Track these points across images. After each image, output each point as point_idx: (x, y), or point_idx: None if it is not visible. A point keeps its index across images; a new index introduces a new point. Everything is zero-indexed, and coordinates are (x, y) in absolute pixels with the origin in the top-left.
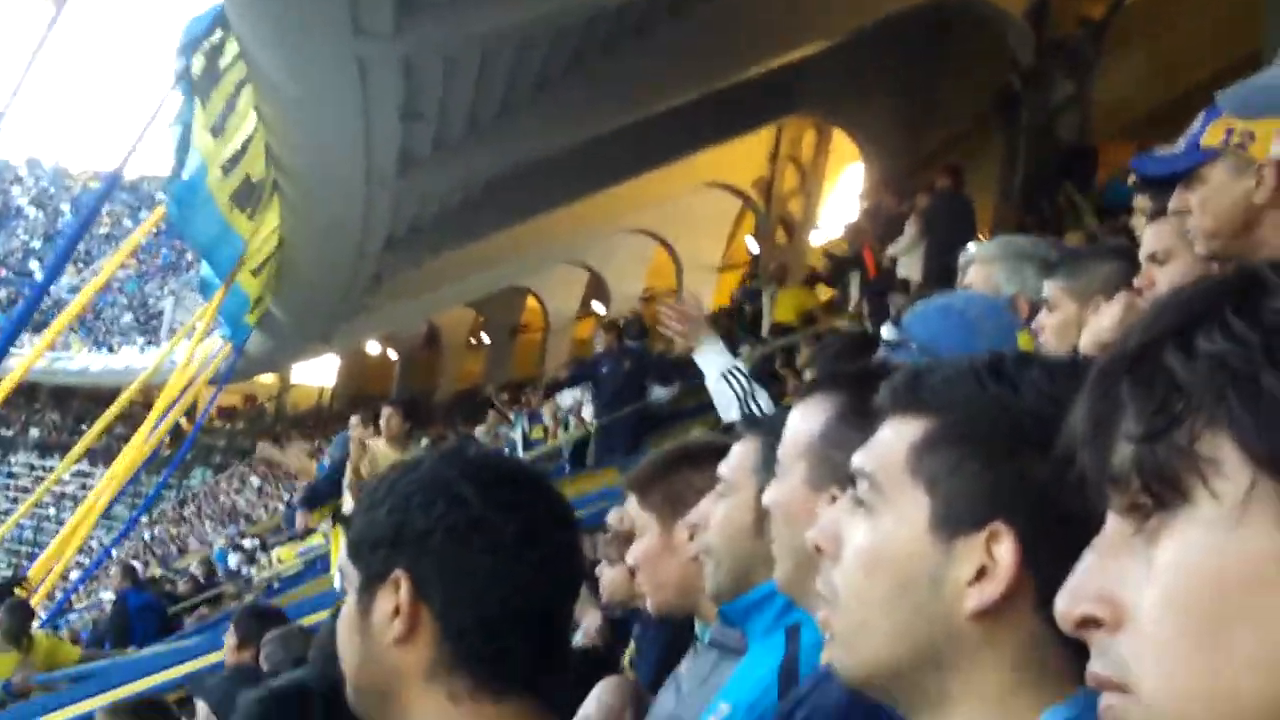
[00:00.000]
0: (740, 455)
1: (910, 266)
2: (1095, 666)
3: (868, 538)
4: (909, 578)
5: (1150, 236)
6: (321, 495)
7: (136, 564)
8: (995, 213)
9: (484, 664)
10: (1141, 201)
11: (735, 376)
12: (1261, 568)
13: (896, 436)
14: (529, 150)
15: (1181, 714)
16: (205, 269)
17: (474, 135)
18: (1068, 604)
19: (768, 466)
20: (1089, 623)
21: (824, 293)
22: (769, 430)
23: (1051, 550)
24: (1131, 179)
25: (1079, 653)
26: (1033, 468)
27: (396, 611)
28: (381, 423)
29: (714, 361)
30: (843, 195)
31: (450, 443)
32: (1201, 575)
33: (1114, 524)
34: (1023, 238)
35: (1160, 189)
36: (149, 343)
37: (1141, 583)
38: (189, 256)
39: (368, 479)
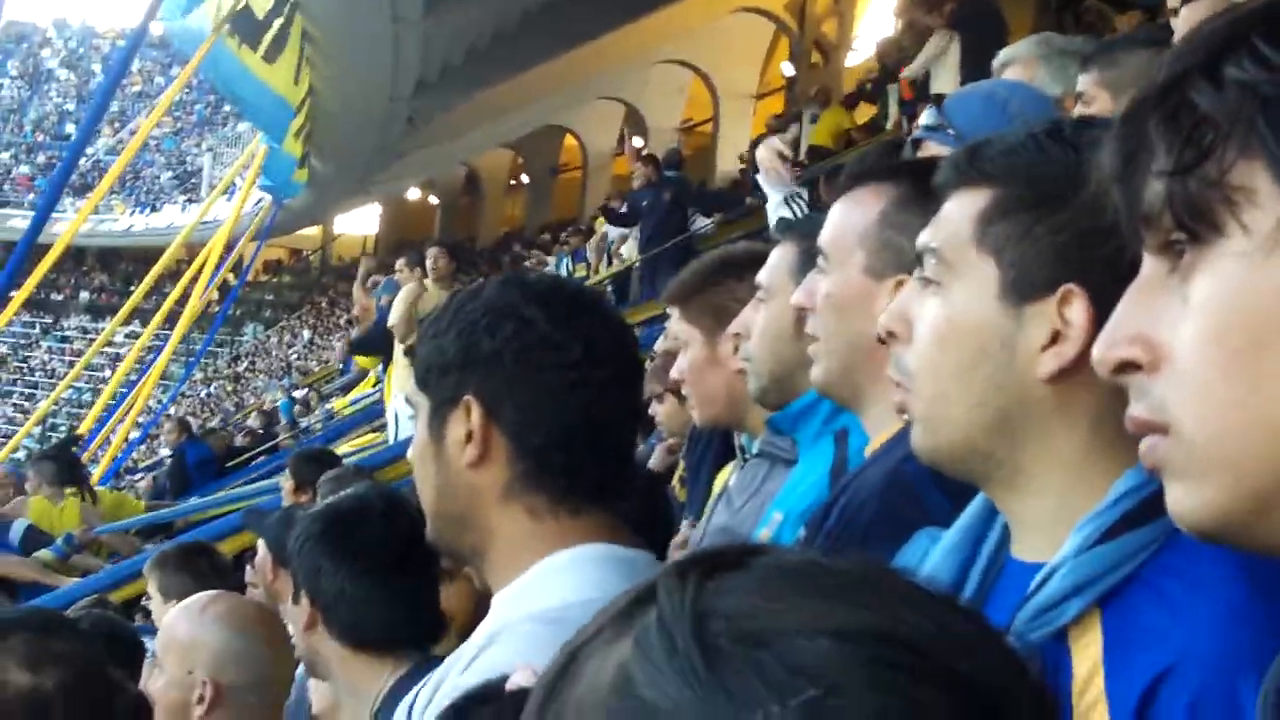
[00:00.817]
0: (777, 259)
1: (945, 80)
2: (1134, 410)
3: (939, 312)
4: (982, 347)
5: (1186, 18)
6: (372, 342)
7: (194, 420)
8: (1030, 20)
9: (558, 480)
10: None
11: (797, 202)
12: None
13: (961, 210)
14: None
15: (1219, 447)
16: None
17: None
18: (1105, 348)
19: (805, 268)
20: (1127, 366)
21: (862, 115)
22: (805, 233)
23: None
24: None
25: None
26: (1102, 227)
27: (469, 436)
28: (428, 264)
29: (777, 187)
30: (877, 12)
31: (513, 271)
32: (1236, 307)
33: (1149, 264)
34: (1060, 36)
35: None
36: (190, 200)
37: (1177, 321)
38: (225, 110)
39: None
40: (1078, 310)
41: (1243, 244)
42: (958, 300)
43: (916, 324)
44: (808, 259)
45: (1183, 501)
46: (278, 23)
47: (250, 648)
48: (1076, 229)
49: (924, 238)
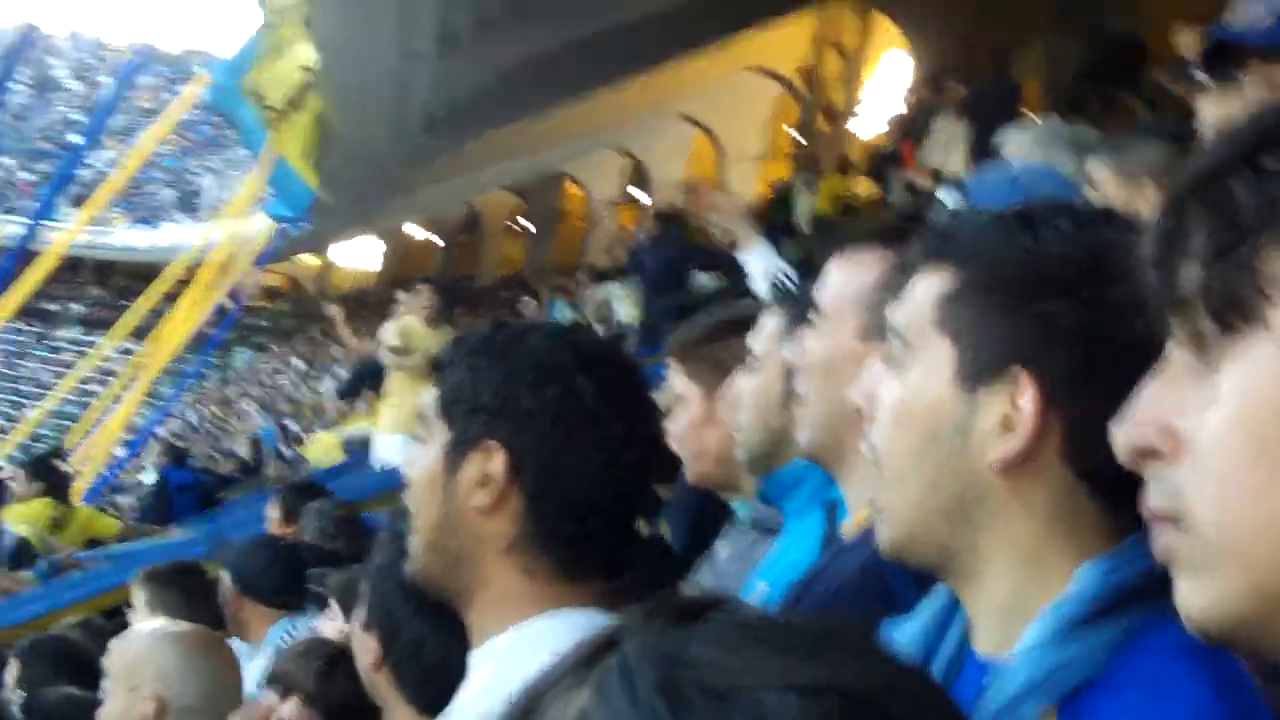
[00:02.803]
0: (767, 327)
1: (955, 161)
2: (1150, 498)
3: (898, 393)
4: (936, 429)
5: (1211, 107)
6: (357, 388)
7: (180, 443)
8: (1041, 103)
9: (566, 547)
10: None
11: (783, 282)
12: None
13: (924, 290)
14: (570, 31)
15: (1235, 542)
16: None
17: (515, 13)
18: (1124, 433)
19: (794, 335)
20: (1146, 453)
21: (863, 186)
22: (795, 300)
23: (1078, 399)
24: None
25: (1114, 508)
26: (1058, 315)
27: (485, 480)
28: (414, 297)
29: (760, 264)
30: (884, 82)
31: (558, 322)
32: (1264, 400)
33: (1176, 351)
34: (1057, 122)
35: (1227, 65)
36: (190, 218)
37: (1202, 411)
38: (229, 133)
39: (403, 350)
40: (1027, 399)
41: (1276, 336)
42: (914, 381)
43: (880, 402)
44: (795, 323)
45: (1192, 597)
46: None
47: (196, 669)
48: (1031, 315)
49: (890, 316)
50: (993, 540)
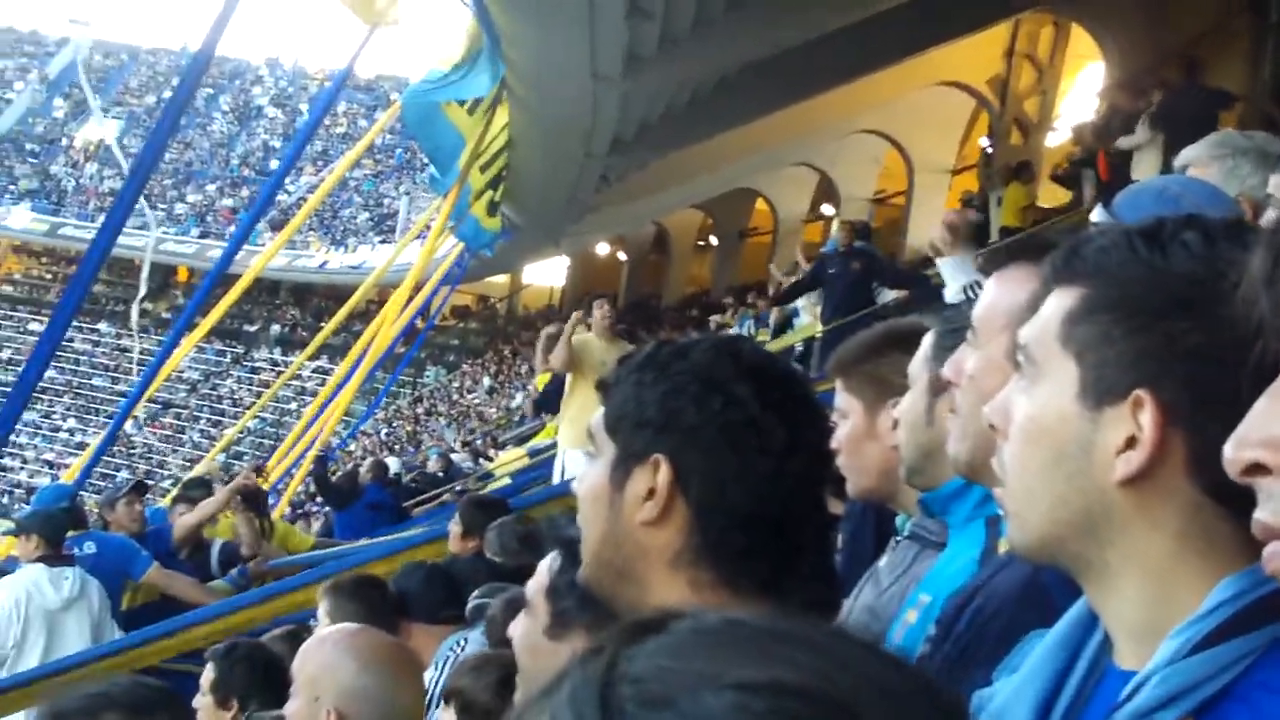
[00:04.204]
0: (923, 345)
1: (1145, 168)
2: (1261, 513)
3: (1026, 409)
4: (1062, 447)
5: None
6: (551, 400)
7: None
8: (1240, 113)
9: (729, 559)
10: None
11: (975, 291)
12: None
13: (1053, 308)
14: (757, 48)
15: None
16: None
17: (701, 33)
18: (1235, 449)
19: (940, 355)
20: (1256, 469)
21: (1055, 195)
22: (949, 317)
23: (1201, 418)
24: None
25: (1248, 525)
26: (1182, 333)
27: (651, 494)
28: (594, 314)
29: (958, 274)
30: (1080, 95)
31: (721, 335)
32: None
33: None
34: (1238, 133)
35: None
36: (384, 241)
37: None
38: (423, 157)
39: (577, 366)
40: (1148, 417)
41: None
42: (1041, 399)
43: (1011, 419)
44: (944, 343)
45: None
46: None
47: (378, 684)
48: (1155, 333)
49: (1021, 334)
50: (1123, 556)
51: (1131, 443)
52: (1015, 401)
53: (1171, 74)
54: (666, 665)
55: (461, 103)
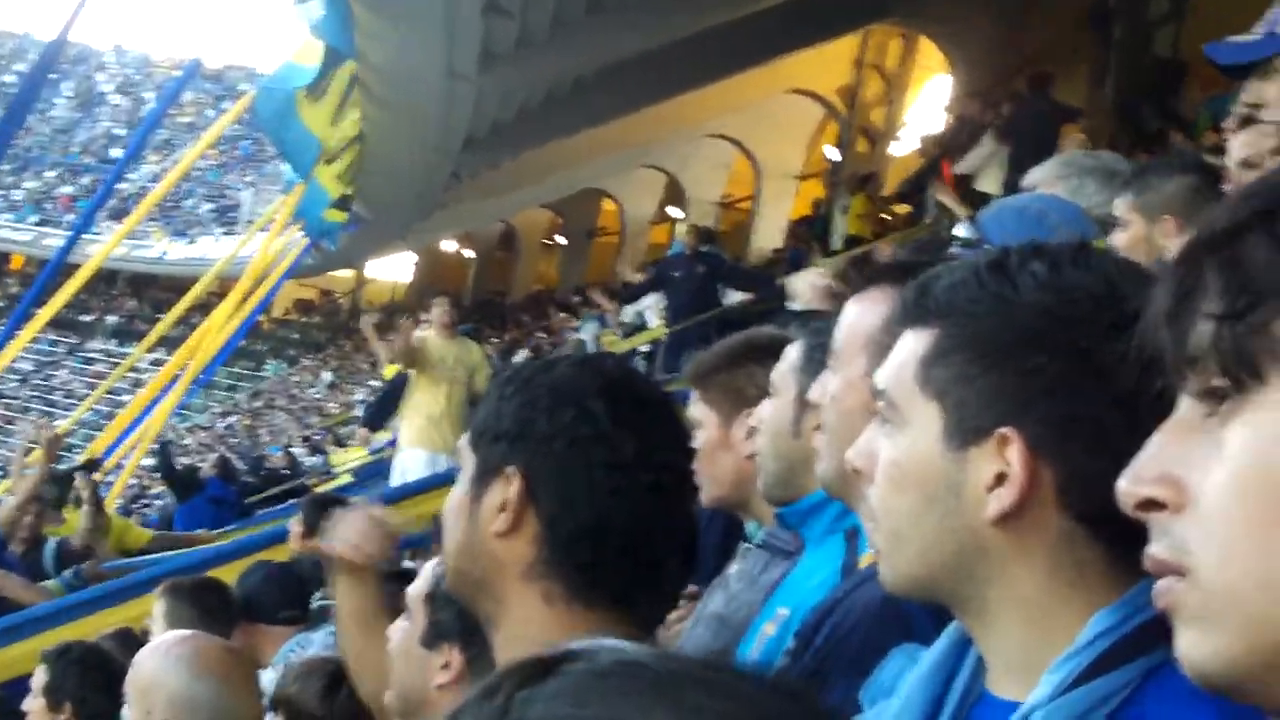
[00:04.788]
0: (785, 355)
1: (989, 182)
2: (1154, 549)
3: (890, 454)
4: (931, 490)
5: (1240, 142)
6: (384, 414)
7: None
8: (1085, 128)
9: (578, 572)
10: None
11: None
12: None
13: (908, 351)
14: (612, 51)
15: (1237, 598)
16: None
17: (558, 33)
18: (1130, 484)
19: (808, 367)
20: (1151, 504)
21: (900, 207)
22: (815, 329)
23: (1068, 449)
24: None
25: (1121, 554)
26: (1039, 367)
27: (504, 506)
28: (434, 312)
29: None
30: (926, 106)
31: (590, 353)
32: (1269, 460)
33: (1186, 406)
34: (1084, 153)
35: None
36: (227, 233)
37: (1209, 465)
38: (269, 149)
39: (418, 365)
40: (1015, 454)
41: None
42: (905, 444)
43: (876, 463)
44: (813, 355)
45: (1194, 649)
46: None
47: (209, 692)
48: (1012, 368)
49: (877, 378)
50: (999, 593)
51: (1001, 479)
52: (879, 446)
53: (1020, 87)
54: (565, 714)
55: (310, 91)
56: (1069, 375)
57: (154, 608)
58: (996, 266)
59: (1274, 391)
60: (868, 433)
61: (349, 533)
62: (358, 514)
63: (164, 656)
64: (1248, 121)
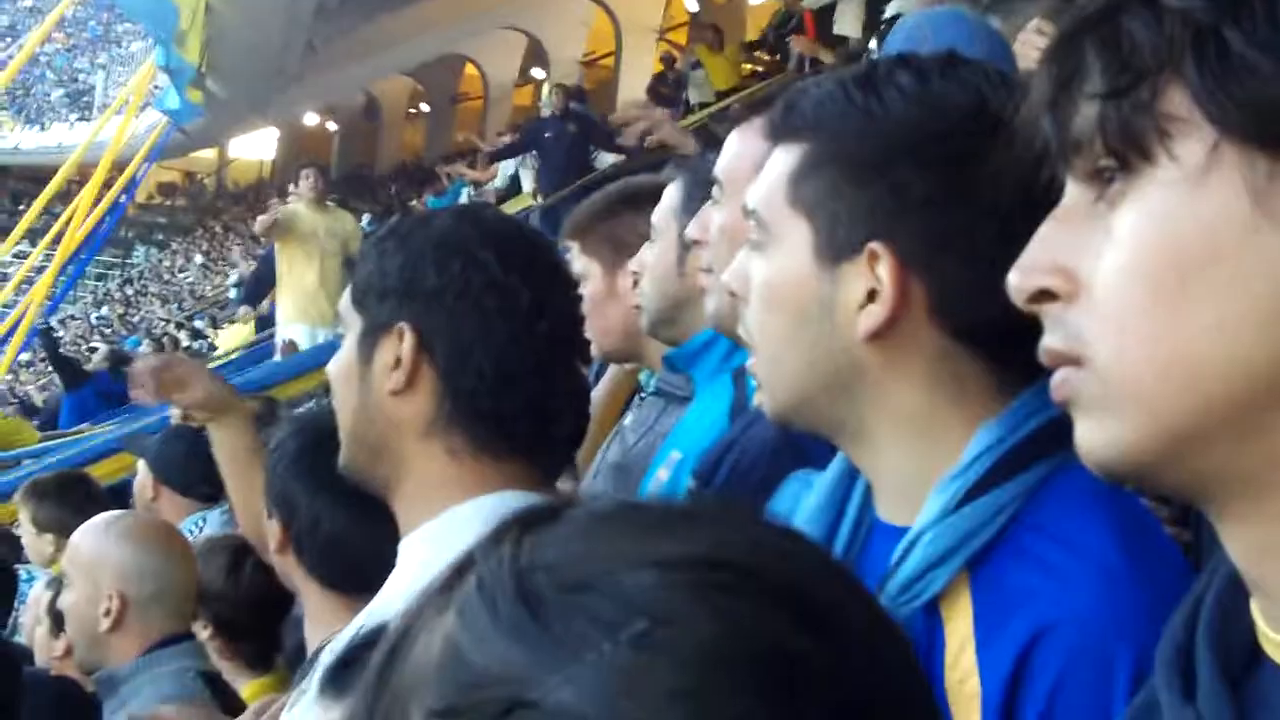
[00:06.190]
0: (665, 197)
1: (848, 22)
2: (1049, 340)
3: (763, 274)
4: (804, 309)
5: None
6: (262, 289)
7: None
8: None
9: (483, 424)
10: None
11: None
12: (1220, 233)
13: (776, 168)
14: None
15: (1136, 381)
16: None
17: None
18: (1020, 278)
19: (689, 206)
20: (1043, 295)
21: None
22: (694, 169)
23: (940, 263)
24: None
25: (1005, 368)
26: (909, 181)
27: (397, 363)
28: (303, 184)
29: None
30: None
31: (464, 204)
32: (1160, 239)
33: (1073, 193)
34: None
35: None
36: (81, 118)
37: (1099, 251)
38: (118, 29)
39: (293, 236)
40: (886, 269)
41: (1172, 174)
42: (777, 262)
43: (750, 285)
44: (694, 194)
45: (1092, 437)
46: None
47: (153, 560)
48: (884, 184)
49: (747, 198)
50: (878, 412)
51: (873, 296)
52: (752, 267)
53: None
54: (579, 549)
55: None
56: (939, 188)
57: (19, 514)
58: (863, 79)
59: (1161, 170)
60: (740, 255)
61: (171, 387)
62: (148, 369)
63: (104, 534)
64: None
